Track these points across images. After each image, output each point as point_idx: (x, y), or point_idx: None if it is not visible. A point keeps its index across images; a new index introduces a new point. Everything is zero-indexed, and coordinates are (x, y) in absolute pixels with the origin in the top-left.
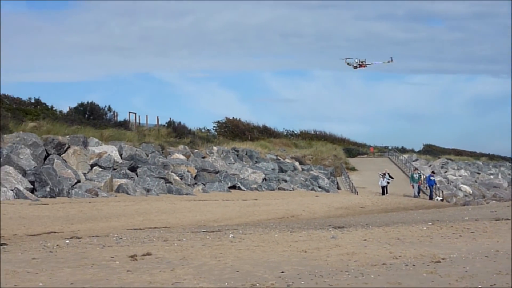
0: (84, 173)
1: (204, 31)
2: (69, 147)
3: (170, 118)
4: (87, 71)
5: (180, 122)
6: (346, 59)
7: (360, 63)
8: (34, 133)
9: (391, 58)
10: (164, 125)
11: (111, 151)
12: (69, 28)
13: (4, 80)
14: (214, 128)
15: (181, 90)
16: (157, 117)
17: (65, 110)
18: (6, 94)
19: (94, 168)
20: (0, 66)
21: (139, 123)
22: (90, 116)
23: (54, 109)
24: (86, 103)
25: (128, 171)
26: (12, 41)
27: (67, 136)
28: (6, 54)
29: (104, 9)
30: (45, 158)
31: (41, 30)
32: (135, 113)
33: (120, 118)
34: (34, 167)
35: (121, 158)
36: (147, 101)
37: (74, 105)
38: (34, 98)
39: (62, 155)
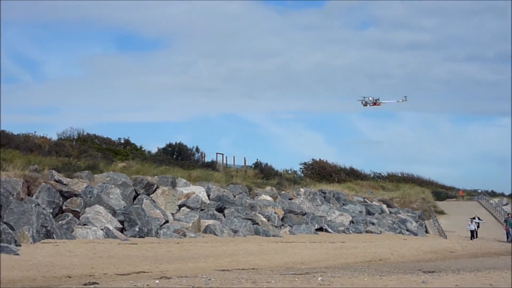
0: (172, 214)
1: (291, 73)
2: (157, 187)
3: (257, 159)
4: (175, 111)
5: (267, 164)
6: (363, 98)
7: (374, 102)
8: (123, 173)
9: (405, 97)
10: (251, 166)
11: (199, 191)
12: (157, 69)
13: (94, 121)
14: (301, 170)
15: (268, 131)
16: (244, 158)
17: (154, 150)
18: (96, 135)
19: (182, 208)
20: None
21: (226, 164)
22: (178, 157)
23: (143, 149)
24: (174, 143)
25: (215, 212)
26: (102, 82)
27: (156, 177)
28: (97, 95)
29: (192, 50)
30: (134, 198)
31: (130, 71)
32: (222, 154)
33: (207, 158)
34: (124, 207)
35: (209, 198)
36: (234, 142)
37: (162, 145)
38: (124, 138)
39: (151, 195)
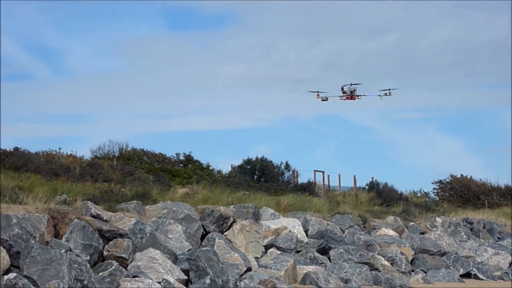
0: (257, 258)
1: (414, 53)
2: (234, 221)
3: (372, 178)
4: (253, 113)
5: (386, 184)
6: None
7: (350, 94)
8: (186, 202)
9: (389, 89)
10: (363, 188)
11: (292, 226)
12: (226, 55)
13: (141, 130)
14: (435, 191)
15: (384, 137)
16: (354, 176)
17: (227, 169)
18: (146, 150)
19: (270, 250)
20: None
21: (329, 185)
22: (261, 177)
23: (211, 168)
24: (254, 159)
25: (317, 254)
26: (149, 76)
27: (231, 206)
28: (142, 94)
29: (274, 27)
30: (203, 238)
31: (187, 59)
32: (323, 172)
33: (302, 179)
34: (188, 250)
35: (307, 235)
36: (338, 154)
37: (238, 162)
38: (184, 154)
39: (225, 233)
